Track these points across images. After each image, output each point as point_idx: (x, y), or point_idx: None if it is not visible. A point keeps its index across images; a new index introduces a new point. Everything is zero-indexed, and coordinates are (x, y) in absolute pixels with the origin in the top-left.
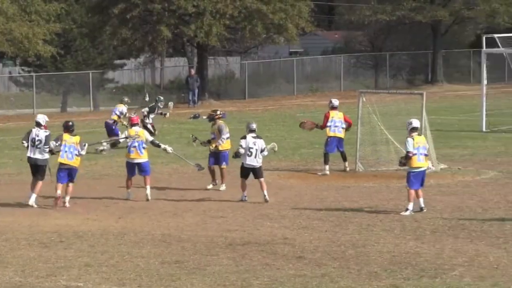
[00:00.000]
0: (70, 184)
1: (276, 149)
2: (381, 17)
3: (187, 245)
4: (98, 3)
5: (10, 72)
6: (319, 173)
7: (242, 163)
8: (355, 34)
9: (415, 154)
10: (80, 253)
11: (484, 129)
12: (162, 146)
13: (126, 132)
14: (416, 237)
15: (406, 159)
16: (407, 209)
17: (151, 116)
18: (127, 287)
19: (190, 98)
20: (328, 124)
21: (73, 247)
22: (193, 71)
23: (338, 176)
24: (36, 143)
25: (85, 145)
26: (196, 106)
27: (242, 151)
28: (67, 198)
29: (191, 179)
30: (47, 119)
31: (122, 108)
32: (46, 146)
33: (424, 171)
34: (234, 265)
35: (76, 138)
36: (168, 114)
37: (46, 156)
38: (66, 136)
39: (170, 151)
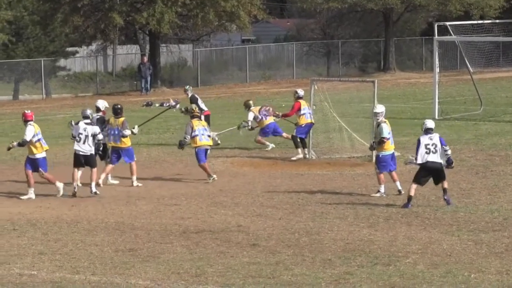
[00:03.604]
0: (132, 163)
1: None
2: (333, 5)
3: (141, 233)
4: None
5: None
6: (293, 158)
7: (75, 150)
8: (307, 21)
9: (389, 139)
10: (34, 241)
11: (436, 117)
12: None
13: (32, 128)
14: (370, 225)
15: (379, 144)
16: (378, 191)
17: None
18: (80, 275)
19: (143, 85)
20: (302, 112)
21: (26, 235)
22: (145, 59)
23: (291, 163)
24: None
25: (134, 127)
26: (149, 93)
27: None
28: (134, 177)
29: (144, 167)
30: (106, 105)
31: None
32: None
33: (393, 154)
34: (188, 253)
35: (120, 121)
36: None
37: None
38: (111, 119)
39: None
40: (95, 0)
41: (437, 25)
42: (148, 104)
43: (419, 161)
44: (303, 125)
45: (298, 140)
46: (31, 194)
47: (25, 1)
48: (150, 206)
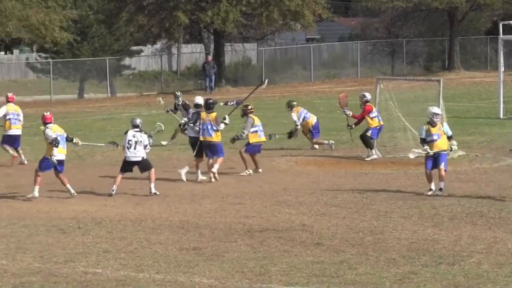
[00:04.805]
0: (216, 158)
1: (162, 129)
2: (397, 4)
3: (205, 232)
4: None
5: (27, 59)
6: (367, 159)
7: (125, 157)
8: (372, 20)
9: None
10: (98, 239)
11: (501, 116)
12: (74, 139)
13: (49, 129)
14: (434, 224)
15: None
16: (440, 189)
17: None
18: (145, 273)
19: (207, 84)
20: (375, 114)
21: (91, 233)
22: (210, 58)
23: (355, 162)
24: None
25: (225, 117)
26: (213, 92)
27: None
28: (215, 168)
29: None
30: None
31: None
32: (191, 122)
33: None
34: (252, 252)
35: (212, 115)
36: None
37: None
38: (203, 114)
39: (80, 144)
40: None
41: (502, 24)
42: (226, 103)
43: None
44: (377, 127)
45: (372, 141)
46: (34, 193)
47: (90, 0)
48: (215, 204)
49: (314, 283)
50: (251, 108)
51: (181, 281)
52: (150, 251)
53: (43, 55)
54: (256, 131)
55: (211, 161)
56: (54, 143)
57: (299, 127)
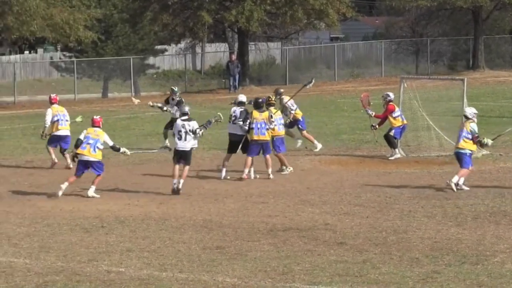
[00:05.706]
0: (267, 156)
1: (221, 120)
2: (422, 3)
3: (228, 231)
4: None
5: (51, 58)
6: (391, 158)
7: (175, 147)
8: (396, 19)
9: None
10: (122, 238)
11: None
12: (122, 149)
13: (84, 131)
14: (458, 224)
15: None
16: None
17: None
18: (168, 272)
19: (231, 83)
20: (398, 114)
21: (114, 232)
22: (234, 57)
23: (379, 162)
24: (232, 119)
25: (271, 116)
26: (237, 91)
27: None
28: (270, 170)
29: (233, 165)
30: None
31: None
32: (239, 120)
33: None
34: (275, 251)
35: (265, 114)
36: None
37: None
38: (255, 114)
39: (129, 153)
40: None
41: None
42: (249, 102)
43: None
44: (400, 126)
45: (395, 140)
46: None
47: None
48: (238, 204)
49: (337, 282)
50: (271, 100)
51: (204, 280)
52: (173, 250)
53: (67, 54)
54: (275, 125)
55: (249, 159)
56: (76, 143)
57: (293, 112)
